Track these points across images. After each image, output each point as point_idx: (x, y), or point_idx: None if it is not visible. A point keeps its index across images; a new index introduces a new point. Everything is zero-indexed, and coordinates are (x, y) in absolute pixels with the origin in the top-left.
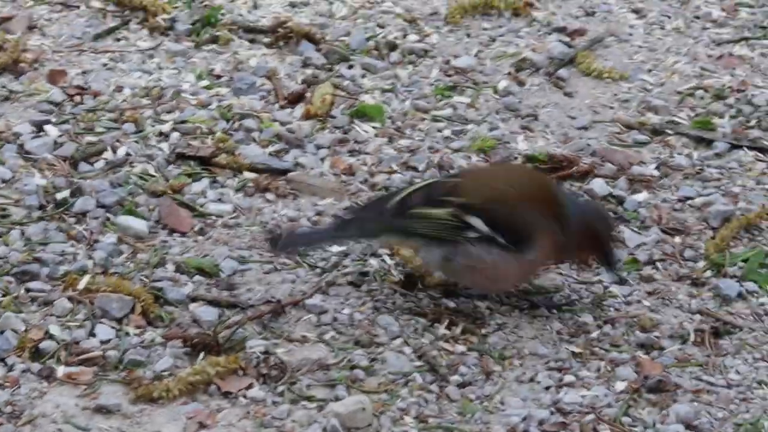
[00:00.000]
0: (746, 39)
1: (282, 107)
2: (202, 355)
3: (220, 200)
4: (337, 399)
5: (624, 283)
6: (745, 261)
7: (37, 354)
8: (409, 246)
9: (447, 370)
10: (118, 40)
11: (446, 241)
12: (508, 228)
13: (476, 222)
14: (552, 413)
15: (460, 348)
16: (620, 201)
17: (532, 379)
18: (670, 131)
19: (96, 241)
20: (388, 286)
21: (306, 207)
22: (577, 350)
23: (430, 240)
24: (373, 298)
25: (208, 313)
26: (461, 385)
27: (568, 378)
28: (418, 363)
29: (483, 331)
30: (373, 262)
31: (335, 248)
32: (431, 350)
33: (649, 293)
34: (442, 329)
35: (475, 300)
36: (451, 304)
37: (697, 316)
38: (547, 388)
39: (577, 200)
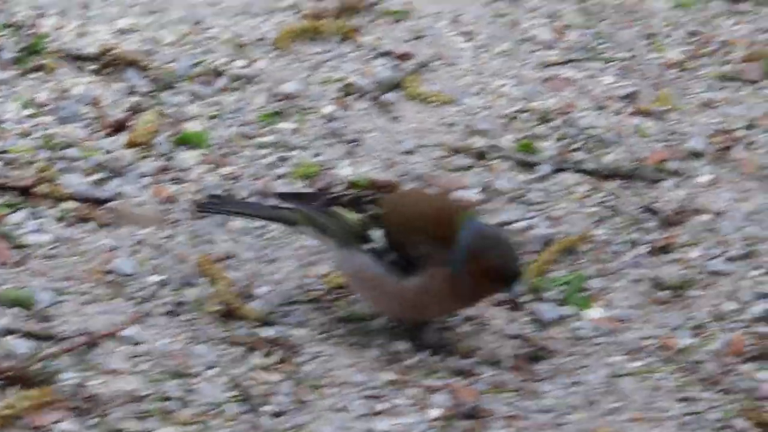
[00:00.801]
0: (573, 61)
1: (106, 135)
2: (15, 388)
3: (39, 230)
4: (149, 431)
5: (518, 309)
6: (565, 284)
7: None
8: (323, 241)
9: (261, 400)
10: None
11: (348, 245)
12: (401, 251)
13: (376, 234)
14: None
15: (275, 377)
16: None
17: (345, 408)
18: (494, 155)
19: None
20: (205, 315)
21: (125, 236)
22: (392, 378)
23: (336, 241)
24: (190, 328)
25: (22, 346)
26: (275, 415)
27: (383, 406)
28: (232, 393)
29: (299, 359)
30: (192, 291)
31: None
32: (245, 380)
33: (467, 318)
34: (257, 358)
35: (291, 328)
36: (269, 333)
37: (515, 341)
38: (361, 416)
39: (476, 229)
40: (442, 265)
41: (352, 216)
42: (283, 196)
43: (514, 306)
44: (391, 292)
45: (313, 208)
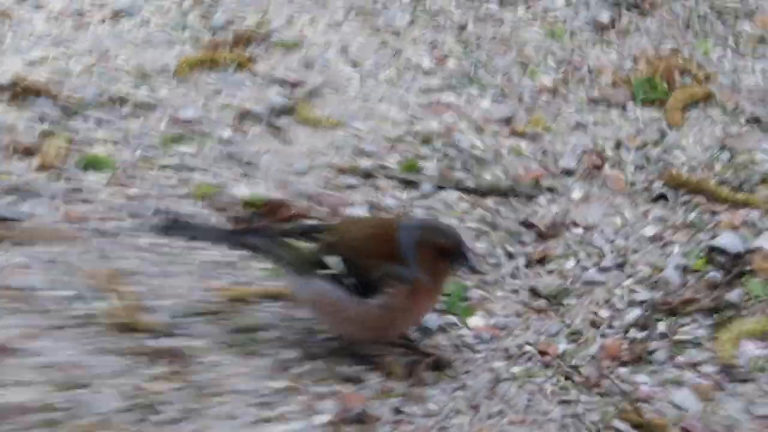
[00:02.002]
0: (453, 87)
1: (19, 159)
2: None
3: None
4: None
5: (480, 273)
6: (447, 295)
7: None
8: (280, 271)
9: (152, 409)
10: None
11: (305, 273)
12: (360, 274)
13: (332, 261)
14: None
15: (169, 386)
16: None
17: (235, 415)
18: (380, 174)
19: None
20: (110, 328)
21: (39, 254)
22: (281, 386)
23: (290, 269)
24: (93, 341)
25: None
26: (166, 423)
27: (272, 413)
28: (124, 403)
29: (194, 369)
30: (99, 305)
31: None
32: (139, 390)
33: None
34: (154, 368)
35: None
36: (167, 344)
37: (401, 349)
38: (251, 423)
39: (410, 227)
40: (400, 281)
41: (302, 245)
42: (237, 232)
43: (474, 270)
44: (354, 314)
45: (267, 240)
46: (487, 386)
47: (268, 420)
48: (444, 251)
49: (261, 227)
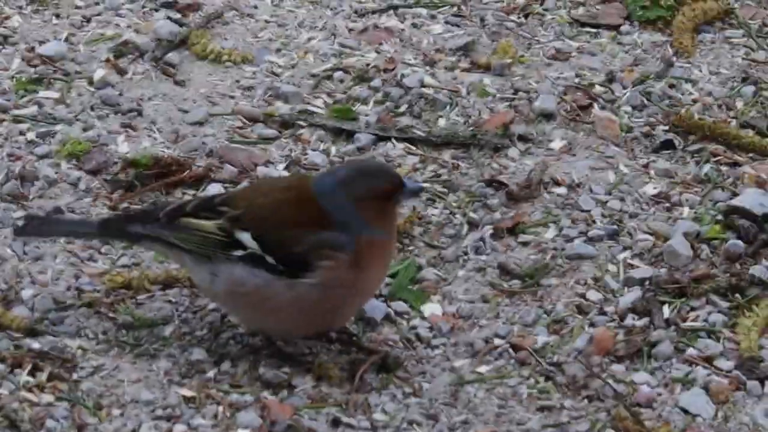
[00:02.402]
0: (394, 8)
1: None
2: None
3: None
4: None
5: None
6: (393, 276)
7: None
8: (176, 260)
9: (30, 426)
10: None
11: (211, 259)
12: (277, 251)
13: (244, 237)
14: None
15: (47, 398)
16: None
17: (134, 431)
18: (303, 123)
19: None
20: None
21: None
22: (189, 394)
23: (193, 256)
24: None
25: None
26: None
27: (179, 428)
28: None
29: (74, 376)
30: None
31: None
32: (11, 402)
33: None
34: (24, 376)
35: (64, 338)
36: (35, 345)
37: (337, 345)
38: None
39: (329, 184)
40: (334, 249)
41: (206, 223)
42: (113, 222)
43: (421, 190)
44: (286, 301)
45: (155, 225)
46: (447, 390)
47: None
48: (388, 194)
49: (143, 211)
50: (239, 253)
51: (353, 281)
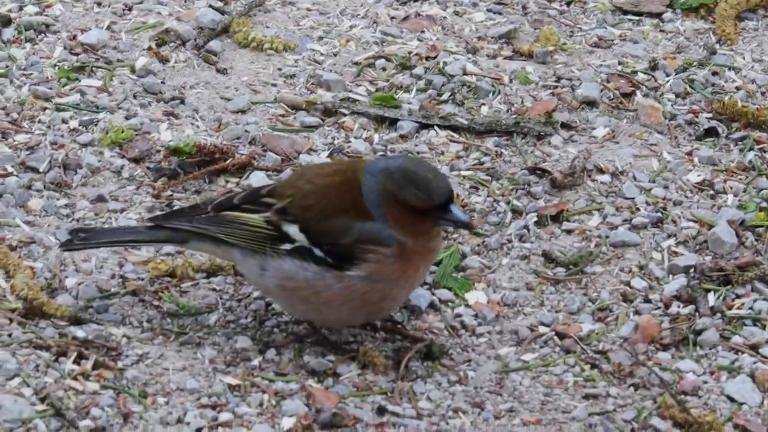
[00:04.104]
0: None
1: None
2: None
3: None
4: None
5: (471, 228)
6: (437, 264)
7: None
8: (224, 257)
9: (76, 414)
10: None
11: (259, 253)
12: (324, 242)
13: (291, 230)
14: None
15: (92, 386)
16: None
17: (180, 420)
18: (345, 111)
19: None
20: (2, 314)
21: None
22: (234, 382)
23: (242, 250)
24: None
25: None
26: (95, 431)
27: (224, 416)
28: (41, 407)
29: (119, 364)
30: None
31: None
32: (56, 390)
33: None
34: (69, 364)
35: (109, 326)
36: (80, 334)
37: (380, 334)
38: (199, 429)
39: (376, 171)
40: (379, 243)
41: (252, 217)
42: (158, 218)
43: (467, 227)
44: (335, 294)
45: (201, 221)
46: (492, 378)
47: (224, 424)
48: (418, 209)
49: (191, 207)
50: (287, 246)
51: (399, 274)
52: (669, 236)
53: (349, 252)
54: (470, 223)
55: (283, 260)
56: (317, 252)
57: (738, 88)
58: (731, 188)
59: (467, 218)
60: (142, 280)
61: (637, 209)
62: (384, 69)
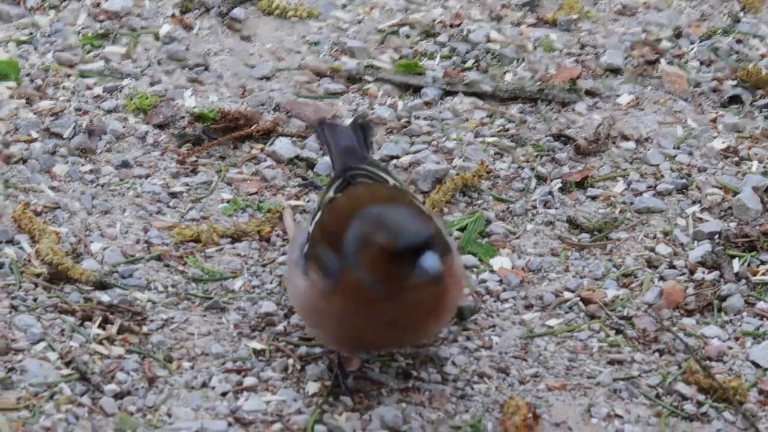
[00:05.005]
0: None
1: None
2: None
3: None
4: None
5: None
6: (462, 230)
7: None
8: None
9: (101, 378)
10: None
11: (309, 223)
12: (309, 239)
13: (317, 217)
14: (230, 424)
15: (117, 350)
16: (311, 164)
17: (205, 384)
18: (369, 78)
19: None
20: (28, 279)
21: None
22: (259, 347)
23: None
24: (9, 295)
25: None
26: (119, 396)
27: (249, 380)
28: (66, 371)
29: (145, 328)
30: (10, 251)
31: None
32: (81, 354)
33: None
34: (94, 328)
35: (134, 291)
36: (105, 298)
37: None
38: (224, 394)
39: (364, 217)
40: (321, 268)
41: (330, 194)
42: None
43: (433, 278)
44: (294, 291)
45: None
46: (517, 344)
47: (249, 389)
48: (387, 253)
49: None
50: (310, 229)
51: (325, 309)
52: (694, 202)
53: (304, 262)
54: (436, 276)
55: (302, 234)
56: (306, 246)
57: (762, 56)
58: (756, 155)
59: (436, 269)
60: (167, 245)
61: (662, 176)
62: (408, 36)
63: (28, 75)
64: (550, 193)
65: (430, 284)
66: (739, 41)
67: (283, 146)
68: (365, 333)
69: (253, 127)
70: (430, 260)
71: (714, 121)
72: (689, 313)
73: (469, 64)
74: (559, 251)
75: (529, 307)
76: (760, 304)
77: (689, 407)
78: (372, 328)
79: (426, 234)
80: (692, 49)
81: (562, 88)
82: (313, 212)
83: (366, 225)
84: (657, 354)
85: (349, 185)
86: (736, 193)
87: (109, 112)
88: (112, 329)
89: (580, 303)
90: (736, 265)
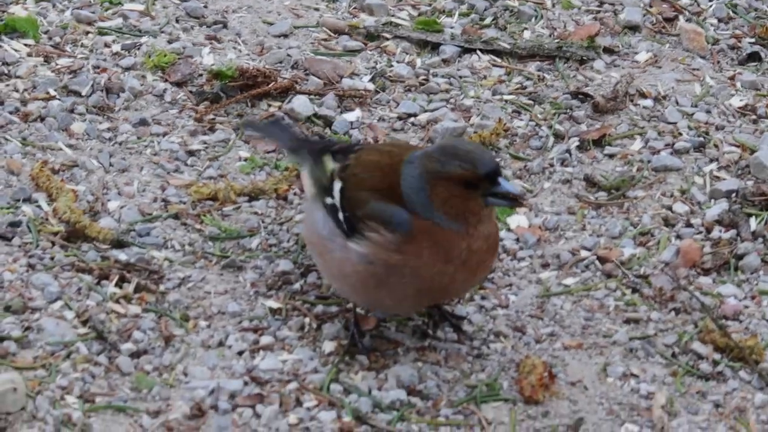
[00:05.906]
0: None
1: None
2: None
3: None
4: None
5: (521, 203)
6: None
7: None
8: (305, 186)
9: (117, 337)
10: None
11: (315, 198)
12: (348, 204)
13: (336, 187)
14: (246, 383)
15: (134, 309)
16: (328, 122)
17: (221, 343)
18: (387, 35)
19: None
20: (45, 238)
21: None
22: (276, 305)
23: (310, 191)
24: (26, 253)
25: None
26: (135, 355)
27: (265, 339)
28: (83, 330)
29: (161, 287)
30: (27, 209)
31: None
32: (98, 313)
33: None
34: (111, 287)
35: (151, 250)
36: (122, 257)
37: None
38: (240, 353)
39: (419, 156)
40: (385, 225)
41: (329, 165)
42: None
43: (517, 200)
44: (336, 260)
45: (311, 152)
46: (533, 303)
47: (261, 348)
48: (465, 182)
49: (309, 140)
50: (329, 200)
51: (399, 264)
52: (711, 161)
53: (358, 224)
54: (521, 196)
55: (319, 211)
56: (340, 215)
57: None
58: None
59: (519, 190)
60: (184, 203)
61: (679, 134)
62: None
63: (46, 32)
64: (568, 151)
65: (493, 221)
66: None
67: (300, 104)
68: (441, 278)
69: (270, 85)
70: (508, 184)
71: (732, 78)
72: (706, 272)
73: (488, 21)
74: (576, 210)
75: (545, 265)
76: None
77: (705, 366)
78: (449, 270)
79: (497, 161)
80: (711, 6)
81: (581, 46)
82: (317, 187)
83: (431, 163)
84: (673, 313)
85: (346, 154)
86: (753, 152)
87: (127, 69)
88: (129, 288)
89: (597, 262)
90: (753, 223)
